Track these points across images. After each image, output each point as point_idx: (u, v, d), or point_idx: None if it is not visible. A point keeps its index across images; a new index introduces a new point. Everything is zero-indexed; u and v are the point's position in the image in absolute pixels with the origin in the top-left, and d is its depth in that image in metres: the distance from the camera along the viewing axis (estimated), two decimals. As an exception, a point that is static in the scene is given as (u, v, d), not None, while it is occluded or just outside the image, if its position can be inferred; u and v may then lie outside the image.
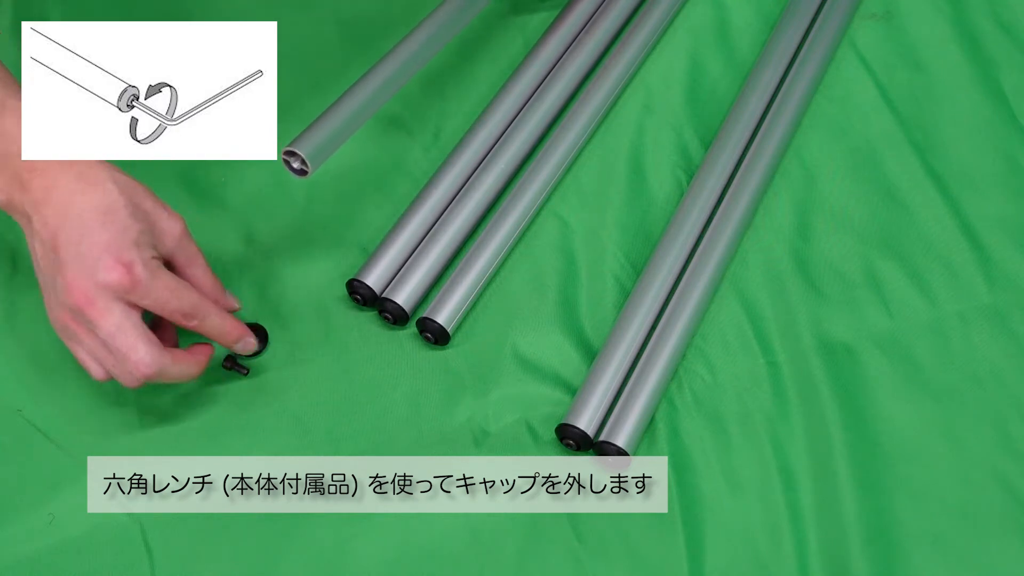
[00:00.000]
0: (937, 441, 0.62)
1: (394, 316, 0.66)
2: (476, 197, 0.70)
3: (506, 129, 0.74)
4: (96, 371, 0.56)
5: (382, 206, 0.72)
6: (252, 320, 0.66)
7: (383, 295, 0.66)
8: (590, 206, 0.72)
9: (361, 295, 0.66)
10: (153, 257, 0.54)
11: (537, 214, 0.71)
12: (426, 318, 0.65)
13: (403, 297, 0.65)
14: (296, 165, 0.60)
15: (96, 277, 0.52)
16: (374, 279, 0.66)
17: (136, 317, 0.54)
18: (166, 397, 0.63)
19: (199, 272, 0.59)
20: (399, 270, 0.67)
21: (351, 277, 0.66)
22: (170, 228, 0.56)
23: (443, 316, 0.64)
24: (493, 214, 0.70)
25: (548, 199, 0.72)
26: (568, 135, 0.73)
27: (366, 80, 0.64)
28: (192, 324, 0.57)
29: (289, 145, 0.59)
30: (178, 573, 0.57)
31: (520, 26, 0.82)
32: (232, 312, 0.61)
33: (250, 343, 0.61)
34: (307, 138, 0.60)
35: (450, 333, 0.65)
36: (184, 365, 0.57)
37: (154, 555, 0.58)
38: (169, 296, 0.54)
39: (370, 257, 0.67)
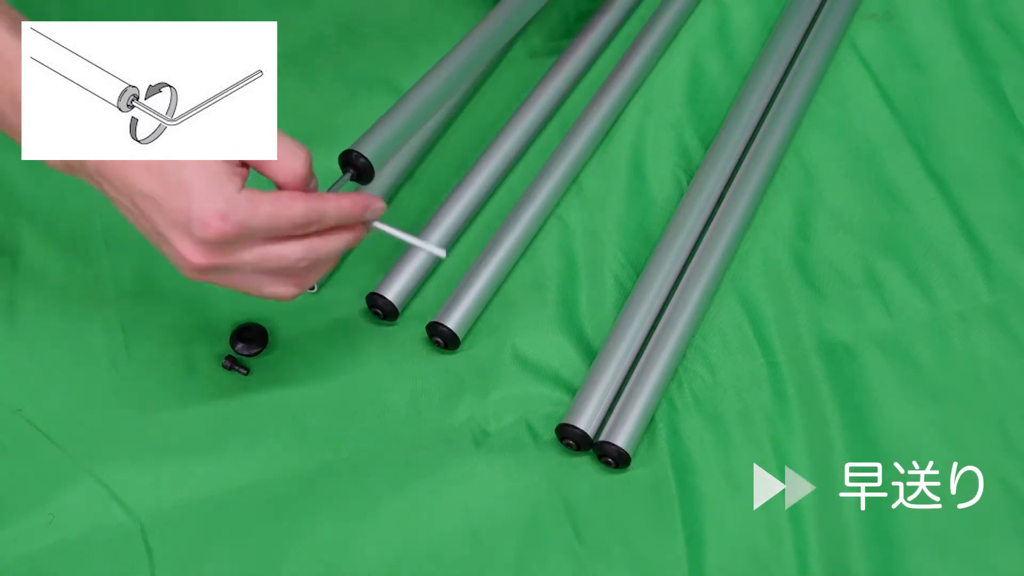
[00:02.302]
0: (937, 441, 0.62)
1: (384, 311, 0.66)
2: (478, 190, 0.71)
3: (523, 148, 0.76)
4: (257, 295, 0.54)
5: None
6: (252, 320, 0.66)
7: (375, 291, 0.66)
8: (590, 206, 0.72)
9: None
10: (241, 187, 0.50)
11: (545, 221, 0.72)
12: (438, 323, 0.65)
13: (392, 293, 0.66)
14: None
15: (201, 237, 0.49)
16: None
17: (263, 241, 0.51)
18: (166, 397, 0.63)
19: (277, 167, 0.53)
20: (391, 269, 0.68)
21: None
22: None
23: (455, 322, 0.65)
24: (502, 220, 0.70)
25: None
26: (574, 146, 0.73)
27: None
28: (312, 231, 0.53)
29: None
30: (178, 573, 0.57)
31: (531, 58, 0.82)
32: (312, 176, 0.55)
33: (377, 207, 0.56)
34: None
35: (461, 340, 0.65)
36: (339, 215, 0.54)
37: (154, 555, 0.58)
38: (278, 221, 0.51)
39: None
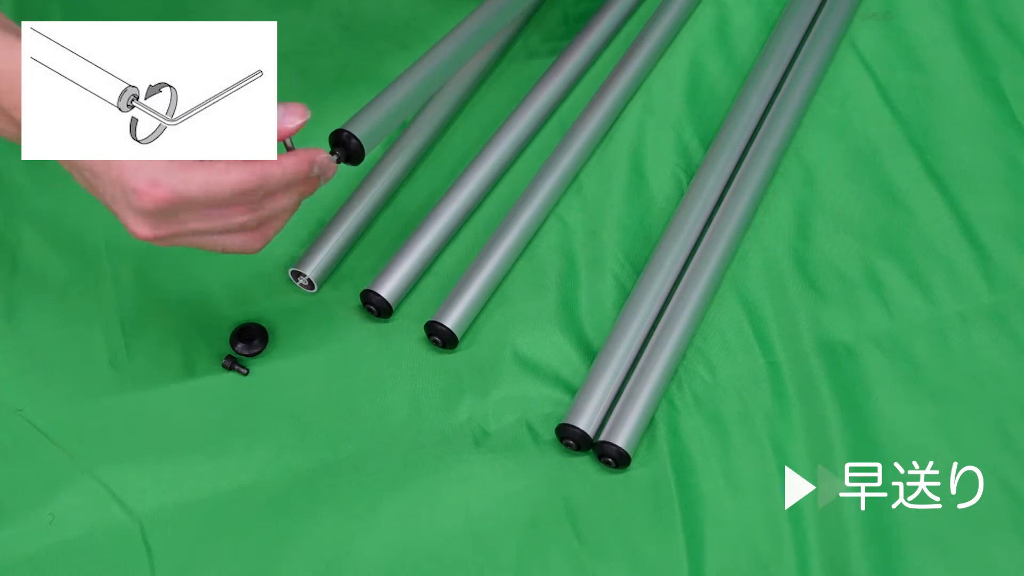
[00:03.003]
0: (937, 441, 0.62)
1: (378, 308, 0.66)
2: (472, 189, 0.72)
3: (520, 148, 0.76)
4: (219, 249, 0.53)
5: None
6: (252, 320, 0.66)
7: (369, 288, 0.67)
8: (590, 206, 0.72)
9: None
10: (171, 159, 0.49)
11: (544, 220, 0.72)
12: (436, 322, 0.65)
13: (388, 290, 0.66)
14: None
15: (141, 210, 0.49)
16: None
17: (204, 210, 0.50)
18: (166, 397, 0.63)
19: None
20: (386, 267, 0.68)
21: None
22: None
23: (453, 321, 0.65)
24: (501, 220, 0.70)
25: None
26: (574, 146, 0.73)
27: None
28: (259, 203, 0.52)
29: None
30: (178, 573, 0.57)
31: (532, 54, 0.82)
32: (295, 128, 0.52)
33: (321, 159, 0.54)
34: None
35: (459, 339, 0.65)
36: (284, 176, 0.52)
37: (154, 555, 0.58)
38: (211, 187, 0.49)
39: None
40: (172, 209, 0.49)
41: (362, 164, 0.61)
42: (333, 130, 0.61)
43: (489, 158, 0.73)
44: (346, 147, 0.60)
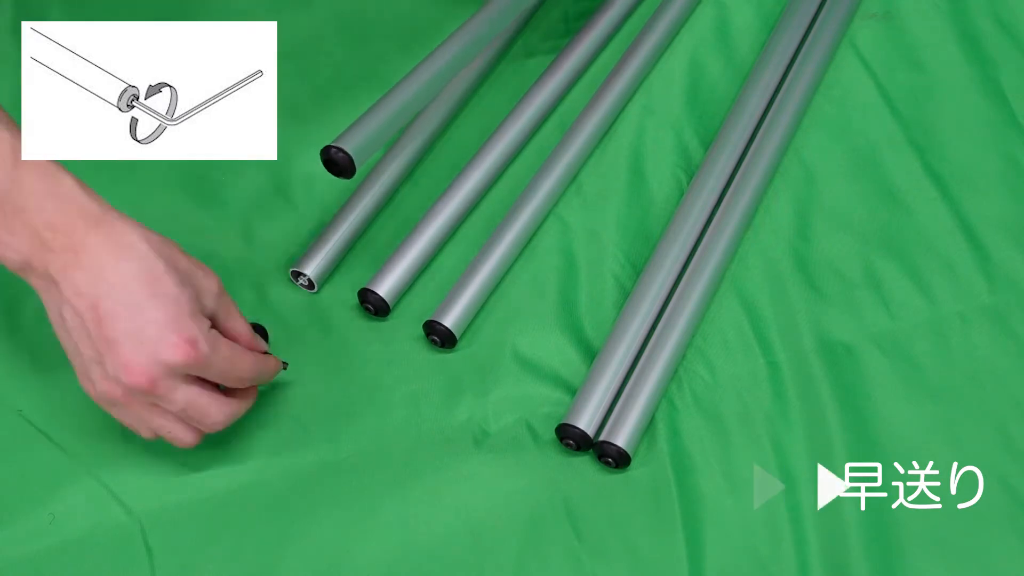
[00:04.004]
0: (937, 441, 0.62)
1: (375, 307, 0.66)
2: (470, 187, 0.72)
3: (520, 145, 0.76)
4: (147, 434, 0.56)
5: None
6: (252, 320, 0.66)
7: (367, 287, 0.67)
8: (590, 206, 0.72)
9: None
10: (210, 328, 0.53)
11: (543, 220, 0.72)
12: (434, 321, 0.65)
13: (385, 289, 0.66)
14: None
15: (160, 357, 0.50)
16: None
17: (198, 386, 0.53)
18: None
19: (238, 324, 0.56)
20: (383, 266, 0.68)
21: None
22: (208, 286, 0.53)
23: (451, 320, 0.65)
24: (500, 219, 0.70)
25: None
26: (573, 146, 0.73)
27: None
28: (247, 386, 0.57)
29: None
30: (178, 573, 0.57)
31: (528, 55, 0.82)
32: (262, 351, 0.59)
33: (280, 367, 0.60)
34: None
35: (457, 338, 0.65)
36: (267, 375, 0.58)
37: (154, 555, 0.58)
38: (229, 367, 0.53)
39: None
40: (188, 370, 0.51)
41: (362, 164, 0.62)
42: (323, 147, 0.60)
43: (488, 157, 0.73)
44: (336, 162, 0.60)
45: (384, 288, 0.66)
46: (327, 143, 0.62)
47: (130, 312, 0.49)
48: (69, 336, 0.52)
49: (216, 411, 0.54)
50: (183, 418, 0.54)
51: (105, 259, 0.49)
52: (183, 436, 0.55)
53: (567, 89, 0.79)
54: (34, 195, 0.49)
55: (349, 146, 0.60)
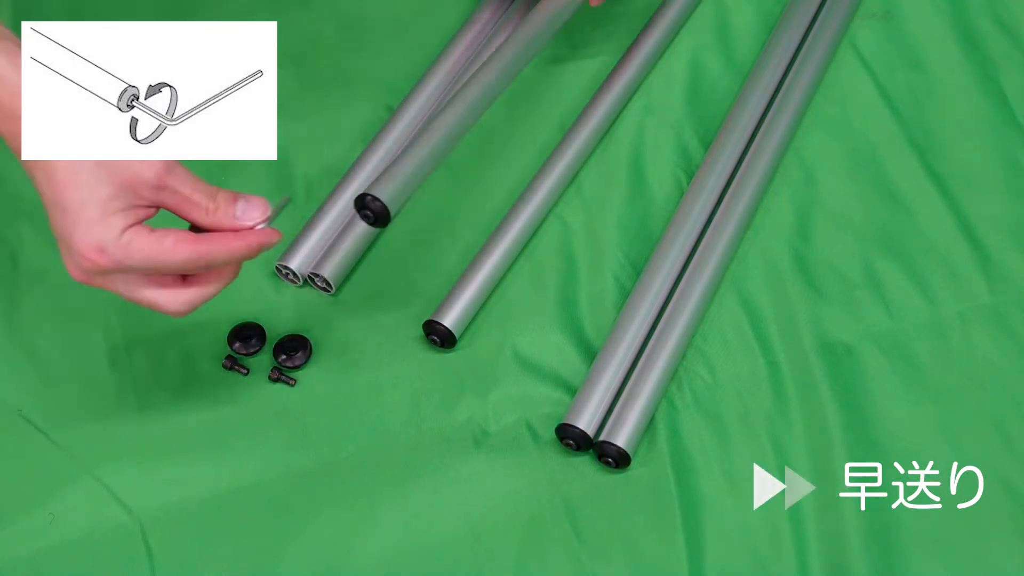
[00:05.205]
0: (937, 441, 0.62)
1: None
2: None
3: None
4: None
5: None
6: (251, 320, 0.66)
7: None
8: (590, 207, 0.72)
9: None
10: (128, 226, 0.50)
11: (543, 220, 0.72)
12: (434, 321, 0.65)
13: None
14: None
15: (76, 262, 0.50)
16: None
17: (141, 279, 0.52)
18: (166, 397, 0.63)
19: (193, 212, 0.52)
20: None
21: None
22: (146, 177, 0.50)
23: (451, 320, 0.65)
24: (500, 219, 0.70)
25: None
26: (573, 146, 0.73)
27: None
28: (201, 272, 0.53)
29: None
30: (178, 573, 0.58)
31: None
32: (258, 223, 0.53)
33: (269, 241, 0.54)
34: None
35: (457, 338, 0.65)
36: (229, 259, 0.53)
37: (154, 555, 0.58)
38: (153, 265, 0.51)
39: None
40: (109, 273, 0.51)
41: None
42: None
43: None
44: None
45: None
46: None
47: (51, 214, 0.50)
48: None
49: (168, 302, 0.52)
50: (149, 293, 0.53)
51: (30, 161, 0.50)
52: (167, 309, 0.53)
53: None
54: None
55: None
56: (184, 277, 0.53)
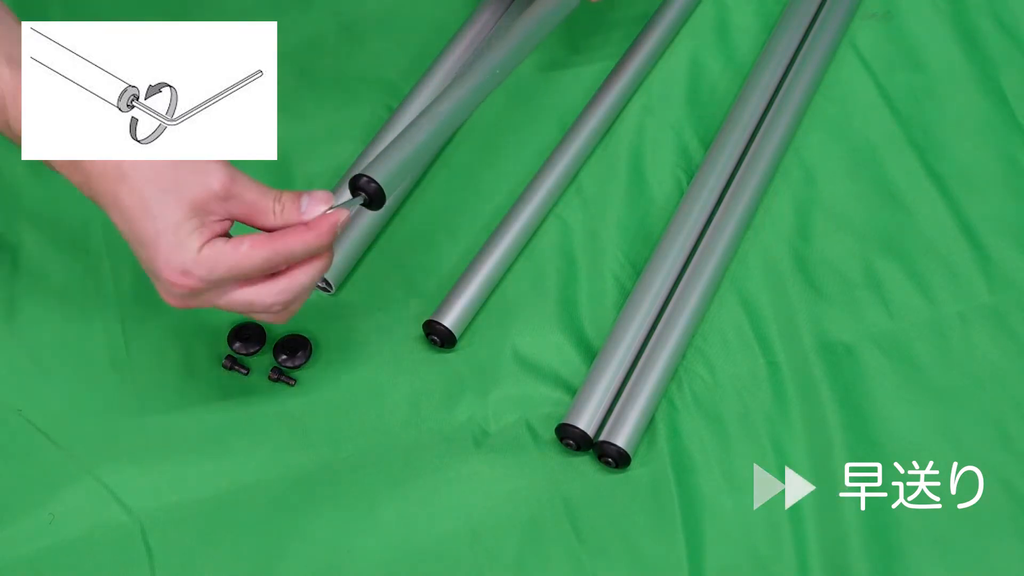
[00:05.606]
0: (937, 441, 0.62)
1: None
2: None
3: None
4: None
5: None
6: (250, 321, 0.66)
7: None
8: (590, 207, 0.72)
9: None
10: (204, 243, 0.50)
11: (543, 219, 0.72)
12: (434, 321, 0.65)
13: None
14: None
15: (166, 288, 0.52)
16: None
17: (232, 288, 0.52)
18: (166, 397, 0.63)
19: (262, 217, 0.52)
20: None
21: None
22: (213, 188, 0.50)
23: (451, 320, 0.65)
24: (502, 218, 0.70)
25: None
26: (573, 146, 0.73)
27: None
28: (282, 271, 0.53)
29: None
30: (178, 573, 0.58)
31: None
32: (320, 210, 0.53)
33: (338, 220, 0.54)
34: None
35: (457, 338, 0.65)
36: (307, 250, 0.53)
37: (154, 555, 0.58)
38: (239, 273, 0.51)
39: None
40: (199, 292, 0.51)
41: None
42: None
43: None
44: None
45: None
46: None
47: (134, 250, 0.52)
48: None
49: (263, 297, 0.53)
50: (243, 311, 0.54)
51: (105, 191, 0.51)
52: (265, 303, 0.54)
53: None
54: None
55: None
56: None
